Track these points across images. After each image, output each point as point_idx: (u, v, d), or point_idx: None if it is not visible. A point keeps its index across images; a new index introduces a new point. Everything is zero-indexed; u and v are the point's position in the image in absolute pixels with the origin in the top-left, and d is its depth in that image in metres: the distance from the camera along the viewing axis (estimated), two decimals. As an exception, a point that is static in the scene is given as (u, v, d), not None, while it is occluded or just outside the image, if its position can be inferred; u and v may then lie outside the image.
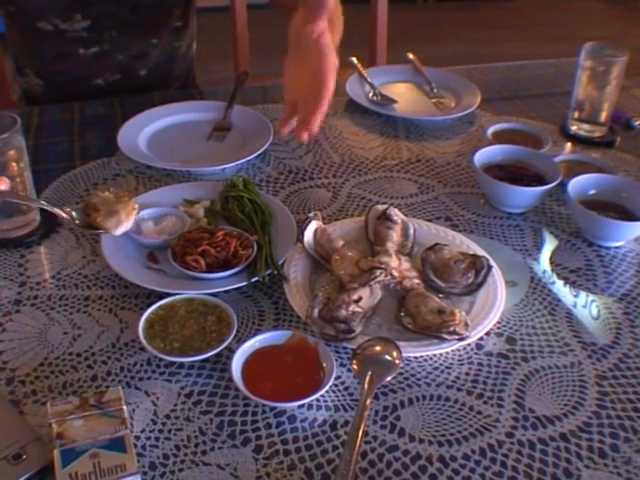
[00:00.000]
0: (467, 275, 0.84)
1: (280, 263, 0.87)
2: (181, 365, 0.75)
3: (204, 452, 0.67)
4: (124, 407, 0.65)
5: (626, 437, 0.69)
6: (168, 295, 0.81)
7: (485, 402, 0.73)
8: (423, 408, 0.72)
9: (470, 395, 0.73)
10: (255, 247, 0.88)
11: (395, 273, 0.84)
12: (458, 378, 0.75)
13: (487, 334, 0.80)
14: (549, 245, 0.97)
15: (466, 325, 0.76)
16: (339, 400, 0.72)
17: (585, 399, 0.73)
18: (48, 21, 1.28)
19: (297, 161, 1.15)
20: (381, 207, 0.95)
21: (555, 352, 0.79)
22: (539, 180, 1.04)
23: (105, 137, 1.19)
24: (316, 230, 0.90)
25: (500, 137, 1.16)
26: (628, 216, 0.96)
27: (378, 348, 0.74)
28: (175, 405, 0.71)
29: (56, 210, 0.79)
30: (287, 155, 1.17)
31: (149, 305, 0.79)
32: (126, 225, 0.79)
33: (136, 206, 0.80)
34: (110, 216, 0.78)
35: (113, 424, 0.64)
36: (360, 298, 0.80)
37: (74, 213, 0.80)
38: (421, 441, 0.68)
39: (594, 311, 0.85)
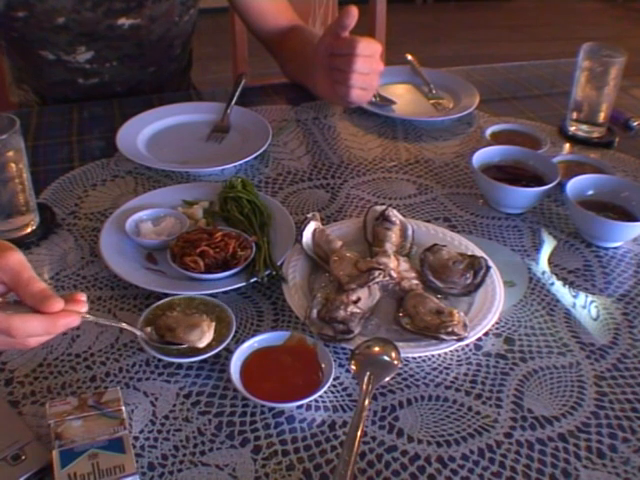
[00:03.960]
0: (465, 276, 0.84)
1: (279, 264, 0.87)
2: (180, 366, 0.75)
3: (203, 452, 0.67)
4: (123, 408, 0.65)
5: (624, 437, 0.69)
6: (167, 296, 0.81)
7: (484, 402, 0.73)
8: (422, 409, 0.72)
9: (469, 395, 0.73)
10: (254, 248, 0.88)
11: (394, 274, 0.84)
12: (457, 379, 0.75)
13: (485, 335, 0.80)
14: (547, 246, 0.97)
15: (464, 326, 0.76)
16: (338, 401, 0.72)
17: (583, 399, 0.73)
18: (50, 51, 1.29)
19: (296, 162, 1.15)
20: (380, 208, 0.95)
21: (554, 352, 0.79)
22: (537, 181, 1.04)
23: (104, 138, 1.19)
24: (315, 231, 0.90)
25: (498, 138, 1.17)
26: (626, 217, 0.97)
27: (377, 349, 0.74)
28: (174, 406, 0.71)
29: (136, 331, 0.74)
30: (286, 156, 1.17)
31: (148, 306, 0.79)
32: (209, 335, 0.74)
33: (209, 321, 0.76)
34: (191, 330, 0.73)
35: (112, 425, 0.64)
36: (359, 299, 0.80)
37: (149, 329, 0.75)
38: (420, 441, 0.68)
39: (592, 311, 0.86)
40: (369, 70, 1.09)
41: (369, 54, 1.07)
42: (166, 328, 0.75)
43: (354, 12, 1.05)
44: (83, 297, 0.66)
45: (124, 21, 1.28)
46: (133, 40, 1.32)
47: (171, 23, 1.35)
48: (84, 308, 0.66)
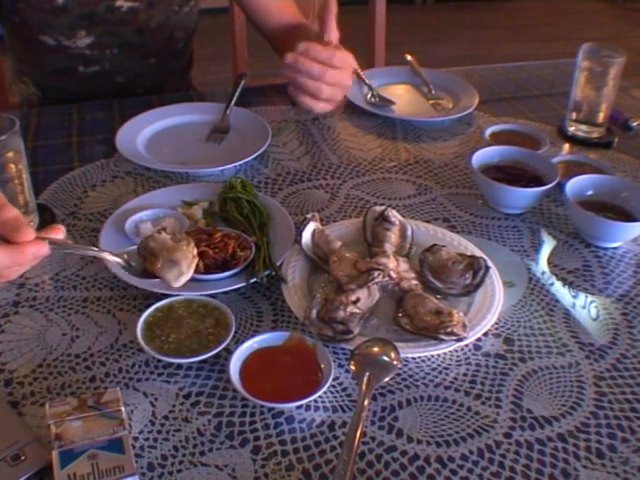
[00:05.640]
0: (465, 276, 0.84)
1: (278, 264, 0.87)
2: (179, 366, 0.75)
3: (202, 453, 0.67)
4: (122, 408, 0.65)
5: (624, 437, 0.69)
6: (166, 296, 0.81)
7: (483, 403, 0.73)
8: (421, 409, 0.72)
9: (468, 396, 0.74)
10: (253, 248, 0.88)
11: (393, 274, 0.84)
12: (456, 379, 0.75)
13: (485, 335, 0.80)
14: (547, 246, 0.97)
15: (464, 326, 0.76)
16: (337, 401, 0.72)
17: (583, 399, 0.73)
18: (51, 36, 1.29)
19: (295, 162, 1.16)
20: (379, 208, 0.95)
21: (553, 353, 0.79)
22: (537, 181, 1.04)
23: (103, 139, 1.19)
24: (314, 231, 0.90)
25: (498, 138, 1.17)
26: (626, 217, 0.97)
27: (376, 349, 0.74)
28: (173, 406, 0.71)
29: (110, 257, 0.71)
30: (285, 157, 1.17)
31: (147, 306, 0.79)
32: (187, 277, 0.72)
33: (195, 252, 0.73)
34: (170, 267, 0.71)
35: (111, 425, 0.64)
36: (358, 299, 0.80)
37: (126, 256, 0.73)
38: (419, 442, 0.68)
39: (592, 312, 0.86)
40: (336, 82, 1.09)
41: (342, 66, 1.08)
42: (150, 252, 0.73)
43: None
44: (60, 226, 0.66)
45: (122, 3, 1.28)
46: (133, 26, 1.32)
47: (170, 11, 1.35)
48: (60, 235, 0.65)
